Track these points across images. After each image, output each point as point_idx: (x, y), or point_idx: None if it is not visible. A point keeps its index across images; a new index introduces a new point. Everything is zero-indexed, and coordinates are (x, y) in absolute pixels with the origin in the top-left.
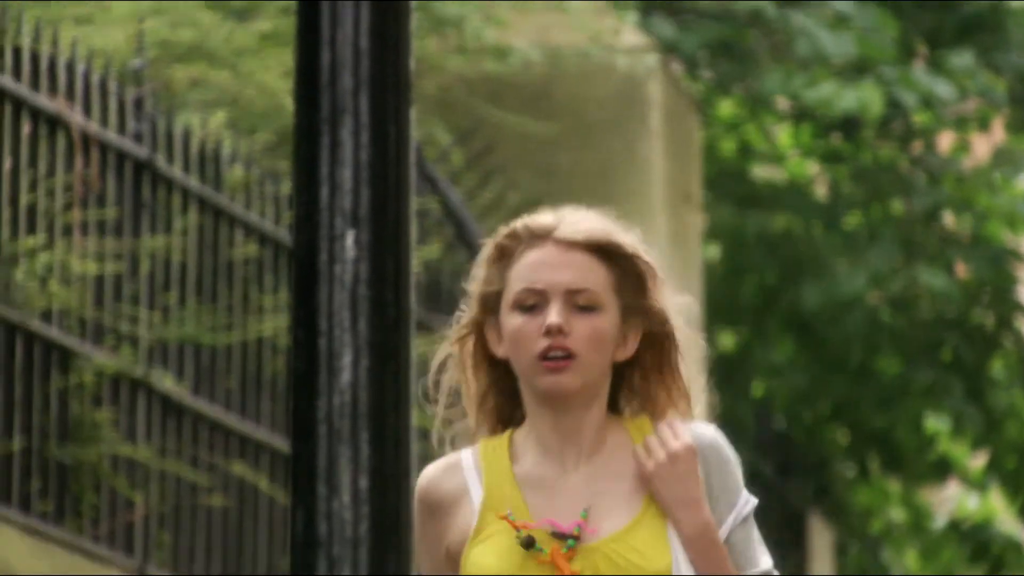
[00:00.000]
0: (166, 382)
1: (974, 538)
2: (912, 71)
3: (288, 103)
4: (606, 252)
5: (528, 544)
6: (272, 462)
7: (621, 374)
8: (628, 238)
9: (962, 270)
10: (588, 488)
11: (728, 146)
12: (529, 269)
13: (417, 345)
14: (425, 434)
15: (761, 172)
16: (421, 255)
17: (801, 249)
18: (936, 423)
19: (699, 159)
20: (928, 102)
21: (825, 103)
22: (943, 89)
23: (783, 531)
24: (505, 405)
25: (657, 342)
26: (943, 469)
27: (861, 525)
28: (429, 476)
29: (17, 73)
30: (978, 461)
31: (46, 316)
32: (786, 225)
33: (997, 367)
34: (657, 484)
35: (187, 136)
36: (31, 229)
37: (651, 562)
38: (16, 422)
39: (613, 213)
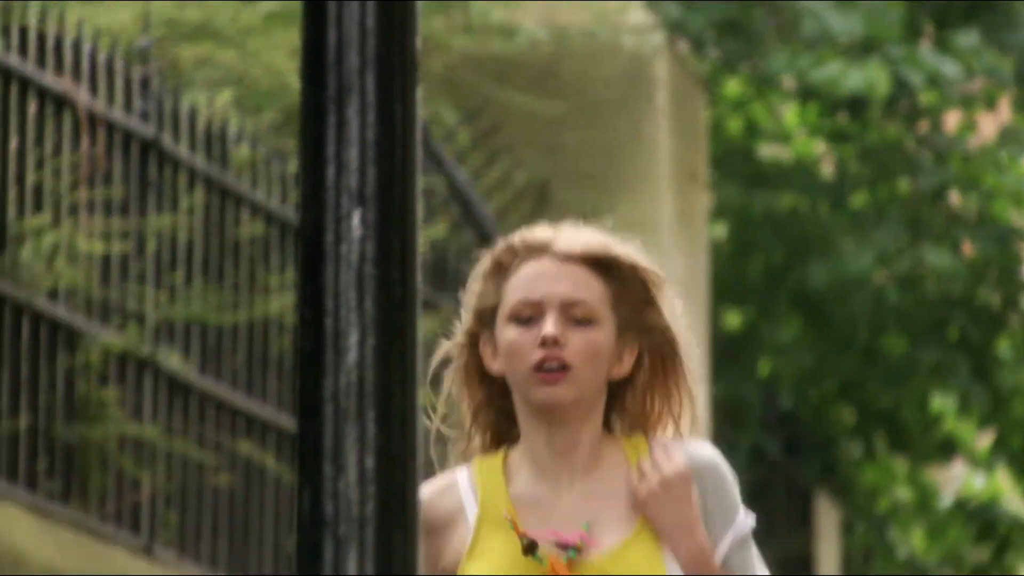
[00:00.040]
0: (172, 361)
1: (980, 517)
2: (918, 50)
3: (294, 82)
4: (604, 267)
5: (530, 548)
6: (278, 441)
7: (615, 393)
8: (627, 251)
9: (968, 249)
10: (583, 507)
11: (734, 125)
12: (526, 281)
13: (424, 324)
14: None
15: (767, 151)
16: (427, 234)
17: (807, 228)
18: (942, 402)
19: (705, 138)
20: (934, 81)
21: (832, 83)
22: (949, 68)
23: (789, 509)
24: (500, 424)
25: (656, 359)
26: (949, 448)
27: (867, 504)
28: (424, 496)
29: (23, 52)
30: (985, 440)
31: (52, 295)
32: (792, 204)
33: (1003, 346)
34: (651, 509)
35: (193, 115)
36: (37, 208)
37: None
38: (23, 401)
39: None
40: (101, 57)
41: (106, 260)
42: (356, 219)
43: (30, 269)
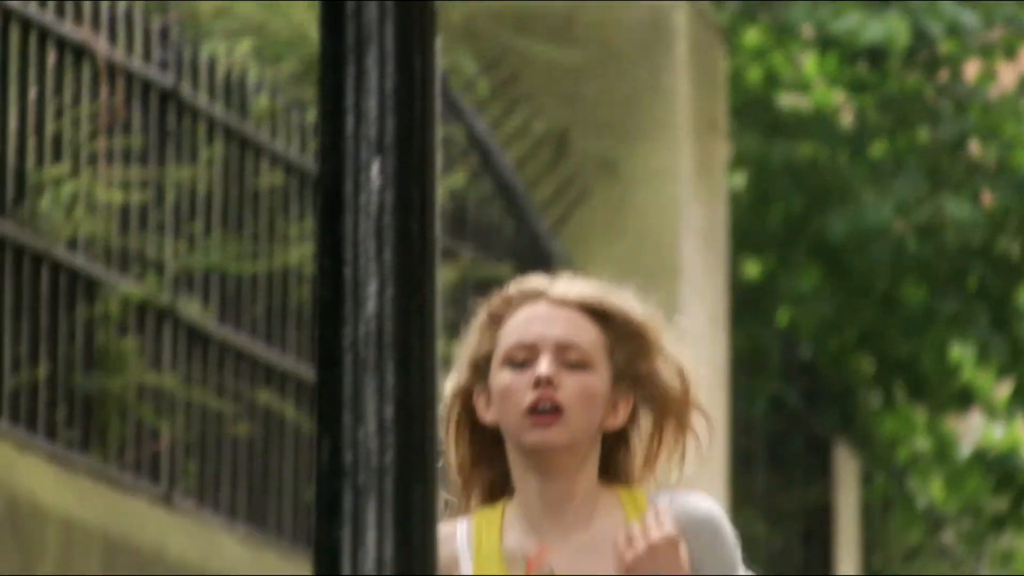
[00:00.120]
0: (192, 310)
1: (999, 468)
2: (938, 0)
3: (313, 32)
4: (600, 315)
5: None
6: (298, 390)
7: (611, 446)
8: (623, 301)
9: (988, 199)
10: (575, 562)
11: (754, 74)
12: (520, 324)
13: (442, 274)
14: (451, 363)
15: (787, 101)
16: (447, 184)
17: (827, 178)
18: (961, 352)
19: (725, 88)
20: (954, 30)
21: (851, 34)
22: (969, 18)
23: (808, 459)
24: (496, 478)
25: (651, 411)
26: (967, 398)
27: (886, 454)
28: None
29: (43, 2)
30: (1003, 390)
31: (72, 245)
32: (812, 154)
33: (1022, 296)
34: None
35: (212, 65)
36: (56, 158)
37: None
38: (42, 351)
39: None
40: (120, 7)
41: (125, 210)
42: (375, 169)
43: (49, 219)
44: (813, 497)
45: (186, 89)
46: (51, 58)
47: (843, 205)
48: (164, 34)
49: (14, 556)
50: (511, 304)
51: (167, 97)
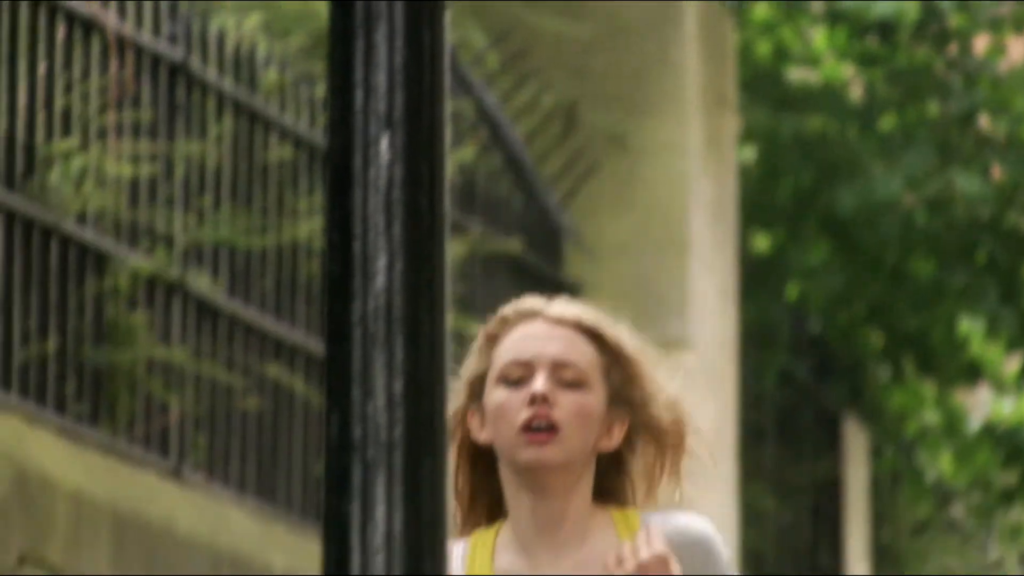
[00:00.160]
0: (201, 284)
1: (1008, 442)
2: None
3: (322, 6)
4: (596, 337)
5: None
6: (307, 364)
7: (604, 469)
8: (618, 330)
9: (997, 173)
10: None
11: (763, 48)
12: (516, 342)
13: (452, 248)
14: (460, 337)
15: (796, 74)
16: (456, 158)
17: (836, 152)
18: (970, 325)
19: (734, 61)
20: (963, 5)
21: (861, 8)
22: None
23: (818, 433)
24: (494, 502)
25: (643, 434)
26: (975, 372)
27: (896, 427)
28: None
29: None
30: (1012, 364)
31: (81, 219)
32: (821, 127)
33: None
34: None
35: (222, 38)
36: (66, 132)
37: None
38: (51, 324)
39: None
40: None
41: (134, 184)
42: (384, 143)
43: (58, 193)
44: (822, 471)
45: (195, 63)
46: (60, 32)
47: (852, 179)
48: (173, 8)
49: (23, 530)
50: (507, 324)
51: (176, 71)
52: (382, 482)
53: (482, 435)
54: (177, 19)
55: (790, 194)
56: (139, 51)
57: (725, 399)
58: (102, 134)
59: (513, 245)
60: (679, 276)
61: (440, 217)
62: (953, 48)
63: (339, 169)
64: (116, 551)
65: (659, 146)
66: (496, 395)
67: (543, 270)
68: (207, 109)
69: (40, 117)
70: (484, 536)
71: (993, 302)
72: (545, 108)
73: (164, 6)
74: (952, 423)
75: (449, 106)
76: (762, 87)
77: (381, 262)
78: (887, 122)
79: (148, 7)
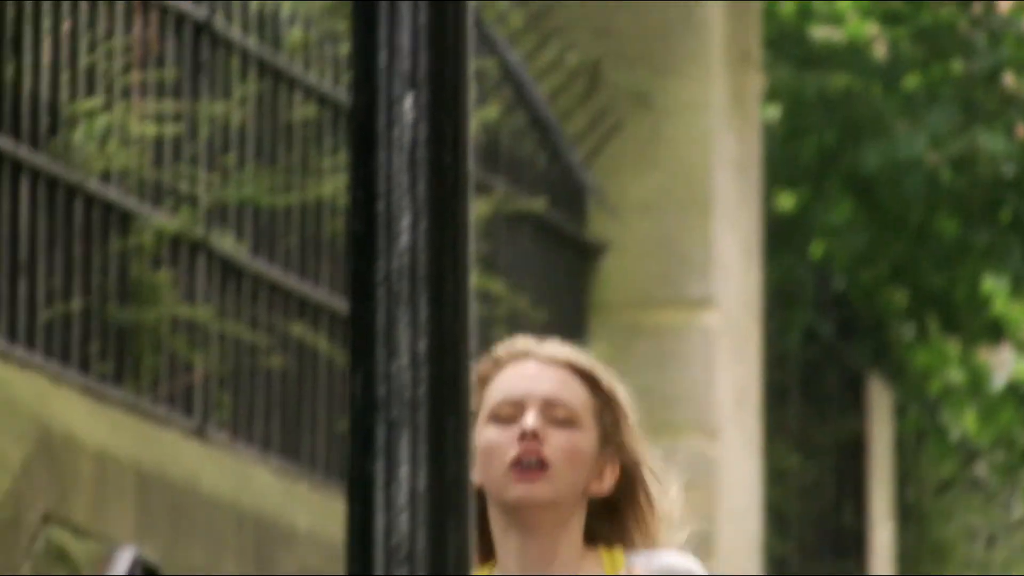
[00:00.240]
0: (226, 243)
1: None
2: None
3: None
4: (588, 378)
5: None
6: (331, 323)
7: (595, 513)
8: (609, 374)
9: (1022, 131)
10: None
11: (787, 7)
12: (507, 381)
13: (476, 207)
14: (484, 296)
15: (820, 33)
16: (479, 117)
17: (860, 110)
18: (994, 284)
19: (758, 19)
20: None
21: None
22: None
23: (842, 392)
24: (483, 546)
25: (630, 480)
26: (997, 331)
27: (920, 386)
28: None
29: None
30: None
31: (105, 178)
32: (845, 86)
33: None
34: None
35: None
36: (90, 91)
37: None
38: (75, 284)
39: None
40: None
41: (158, 143)
42: (408, 102)
43: (83, 152)
44: (846, 430)
45: (219, 22)
46: None
47: (876, 137)
48: None
49: (48, 488)
50: (499, 364)
51: (200, 30)
52: (406, 441)
53: (474, 474)
54: None
55: (814, 153)
56: (163, 10)
57: (749, 358)
58: (126, 93)
59: (537, 204)
60: (703, 235)
61: (464, 176)
62: (977, 6)
63: (363, 128)
64: (140, 510)
65: (683, 105)
66: (487, 434)
67: (566, 229)
68: (231, 68)
69: (64, 76)
70: None
71: (1017, 260)
72: (569, 67)
73: None
74: (976, 382)
75: (473, 65)
76: (786, 45)
77: (405, 221)
78: (911, 80)
79: None
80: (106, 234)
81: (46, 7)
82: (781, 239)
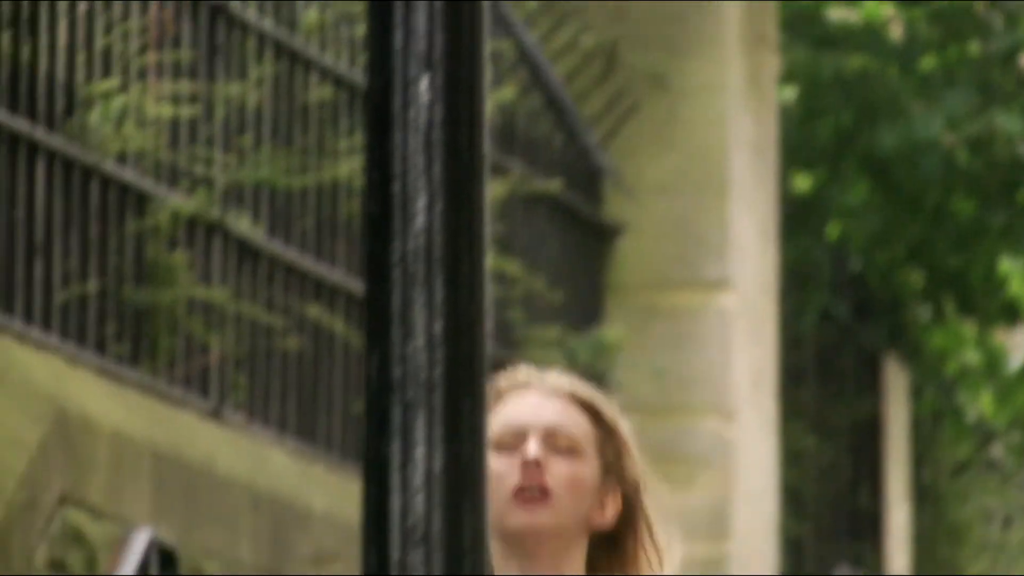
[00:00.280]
0: (242, 225)
1: None
2: None
3: None
4: (591, 410)
5: None
6: (347, 304)
7: (596, 545)
8: (612, 405)
9: None
10: None
11: None
12: (509, 411)
13: (492, 188)
14: (500, 278)
15: (836, 14)
16: (496, 98)
17: (877, 91)
18: (1010, 265)
19: (774, 1)
20: None
21: None
22: None
23: (858, 373)
24: None
25: (631, 512)
26: (1015, 312)
27: (936, 367)
28: None
29: None
30: None
31: (121, 159)
32: (862, 67)
33: None
34: None
35: None
36: (106, 72)
37: None
38: (91, 265)
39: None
40: None
41: (175, 124)
42: (424, 84)
43: (98, 133)
44: (862, 411)
45: (235, 3)
46: None
47: (893, 119)
48: None
49: (64, 470)
50: (500, 395)
51: (216, 12)
52: (422, 422)
53: None
54: None
55: (830, 134)
56: None
57: (765, 339)
58: (142, 75)
59: (553, 185)
60: (719, 216)
61: (480, 157)
62: None
63: (379, 109)
64: (156, 491)
65: (699, 86)
66: (488, 463)
67: (582, 210)
68: (247, 49)
69: (80, 57)
70: None
71: None
72: (585, 48)
73: None
74: (992, 363)
75: (489, 46)
76: (802, 26)
77: (421, 202)
78: (928, 62)
79: None
80: (122, 216)
81: None
82: (797, 220)
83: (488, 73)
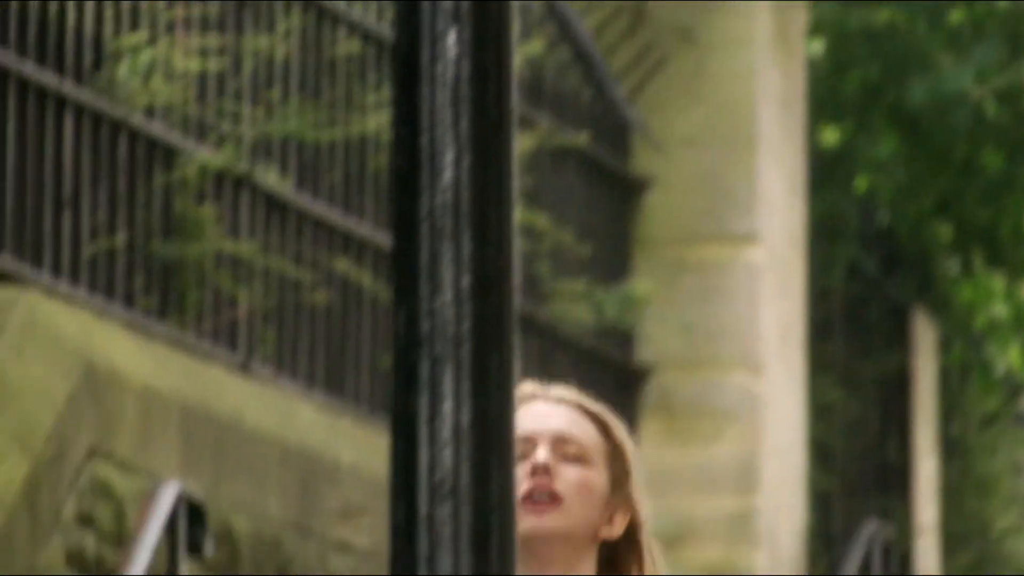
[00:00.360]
0: (269, 179)
1: None
2: None
3: None
4: (599, 422)
5: None
6: (375, 259)
7: (605, 558)
8: (618, 423)
9: None
10: None
11: None
12: (518, 420)
13: (520, 142)
14: (528, 231)
15: None
16: (524, 52)
17: (905, 44)
18: None
19: None
20: None
21: None
22: None
23: (886, 327)
24: None
25: (633, 532)
26: None
27: (964, 321)
28: None
29: None
30: None
31: (149, 113)
32: (890, 20)
33: None
34: None
35: None
36: (134, 26)
37: None
38: (119, 219)
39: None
40: None
41: (203, 77)
42: (451, 38)
43: (126, 87)
44: (891, 364)
45: None
46: None
47: (921, 72)
48: None
49: (92, 423)
50: None
51: None
52: (450, 377)
53: None
54: None
55: (858, 87)
56: None
57: (793, 293)
58: (170, 28)
59: (581, 139)
60: (747, 170)
61: (507, 111)
62: None
63: (406, 64)
64: (184, 445)
65: (727, 40)
66: None
67: (610, 164)
68: (275, 3)
69: (108, 11)
70: None
71: None
72: (613, 2)
73: None
74: (1021, 316)
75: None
76: None
77: (448, 157)
78: (956, 14)
79: None
80: (150, 169)
81: None
82: (825, 174)
83: (516, 27)
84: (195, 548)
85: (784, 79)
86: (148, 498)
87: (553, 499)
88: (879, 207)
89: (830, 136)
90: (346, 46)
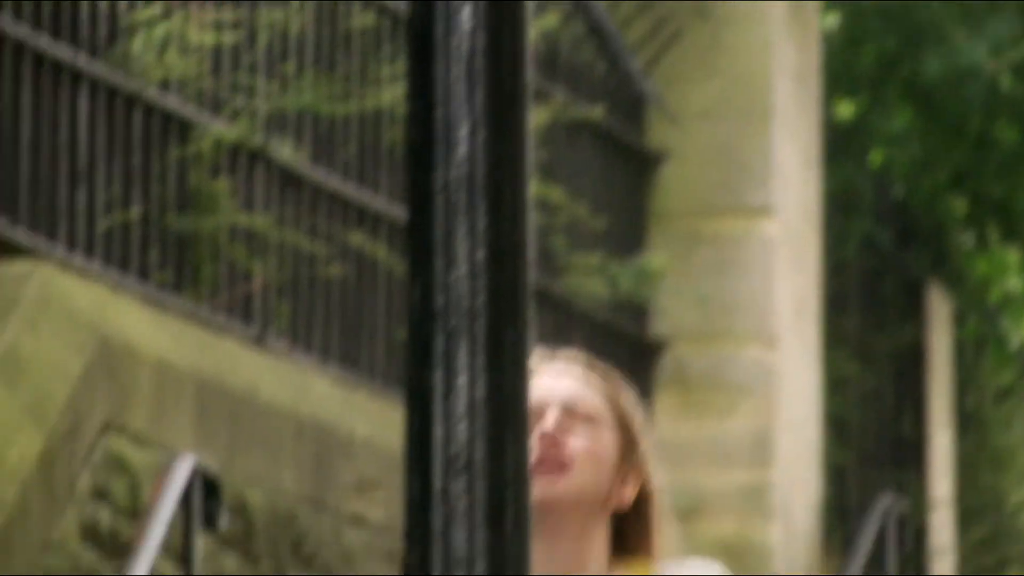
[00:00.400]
0: (284, 152)
1: None
2: None
3: None
4: (609, 384)
5: None
6: (390, 232)
7: (617, 528)
8: (629, 391)
9: None
10: None
11: None
12: None
13: (535, 115)
14: (543, 205)
15: None
16: (539, 25)
17: (920, 18)
18: None
19: None
20: None
21: None
22: None
23: (901, 300)
24: None
25: (643, 500)
26: None
27: (979, 294)
28: None
29: None
30: None
31: (164, 86)
32: None
33: None
34: None
35: None
36: None
37: None
38: (134, 192)
39: None
40: None
41: (217, 51)
42: (466, 11)
43: (141, 61)
44: (905, 338)
45: None
46: None
47: (936, 45)
48: None
49: (107, 397)
50: None
51: None
52: (464, 351)
53: None
54: None
55: (873, 60)
56: None
57: (808, 266)
58: (185, 1)
59: (596, 112)
60: (762, 143)
61: (522, 85)
62: None
63: (421, 37)
64: (199, 418)
65: (742, 13)
66: None
67: (625, 137)
68: None
69: None
70: None
71: None
72: None
73: None
74: None
75: None
76: None
77: (463, 130)
78: None
79: None
80: (165, 143)
81: None
82: (840, 147)
83: (531, 0)
84: (210, 522)
85: (799, 52)
86: (163, 472)
87: (562, 466)
88: (894, 181)
89: (845, 109)
90: (361, 19)
